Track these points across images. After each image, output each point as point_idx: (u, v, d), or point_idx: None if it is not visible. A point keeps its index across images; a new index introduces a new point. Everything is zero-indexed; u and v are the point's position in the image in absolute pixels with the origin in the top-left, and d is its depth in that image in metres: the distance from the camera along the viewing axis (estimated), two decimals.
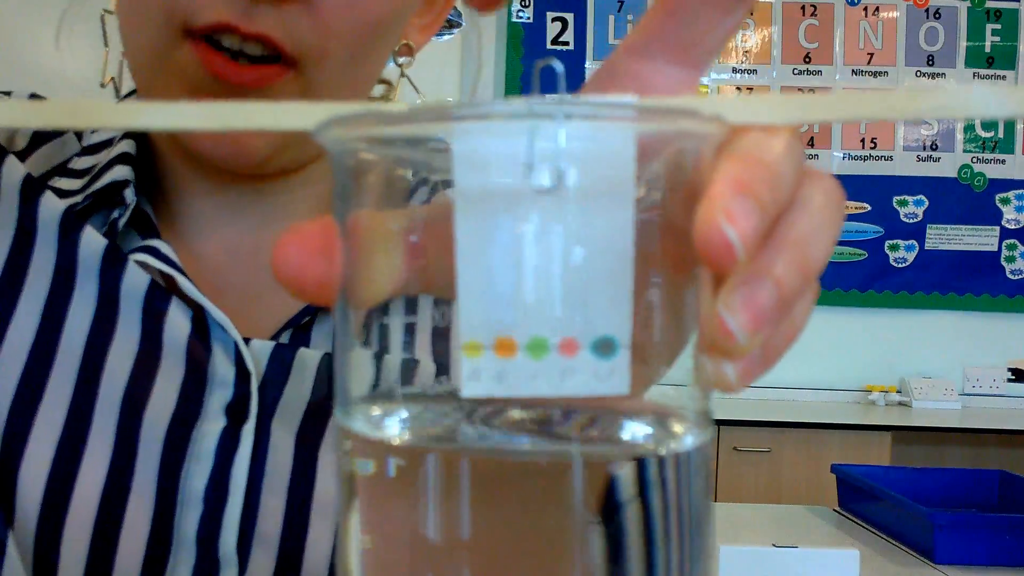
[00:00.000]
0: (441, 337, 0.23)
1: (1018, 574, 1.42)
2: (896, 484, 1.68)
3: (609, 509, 0.22)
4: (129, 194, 0.53)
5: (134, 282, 0.51)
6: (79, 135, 0.59)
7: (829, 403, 3.06)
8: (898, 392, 3.07)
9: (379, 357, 0.25)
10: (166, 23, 0.46)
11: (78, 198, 0.53)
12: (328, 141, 0.23)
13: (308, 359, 0.51)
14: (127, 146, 0.55)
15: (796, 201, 0.24)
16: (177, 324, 0.51)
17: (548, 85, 0.23)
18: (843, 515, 1.75)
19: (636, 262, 0.22)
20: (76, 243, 0.52)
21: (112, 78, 0.59)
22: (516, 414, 0.23)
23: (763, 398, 3.02)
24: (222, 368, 0.50)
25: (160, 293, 0.51)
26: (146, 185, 0.56)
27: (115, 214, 0.53)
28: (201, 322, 0.51)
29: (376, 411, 0.24)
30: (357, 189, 0.24)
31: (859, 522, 1.69)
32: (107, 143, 0.57)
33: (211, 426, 0.49)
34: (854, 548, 1.33)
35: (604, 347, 0.21)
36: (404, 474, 0.22)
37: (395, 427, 0.24)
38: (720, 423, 2.72)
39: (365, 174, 0.24)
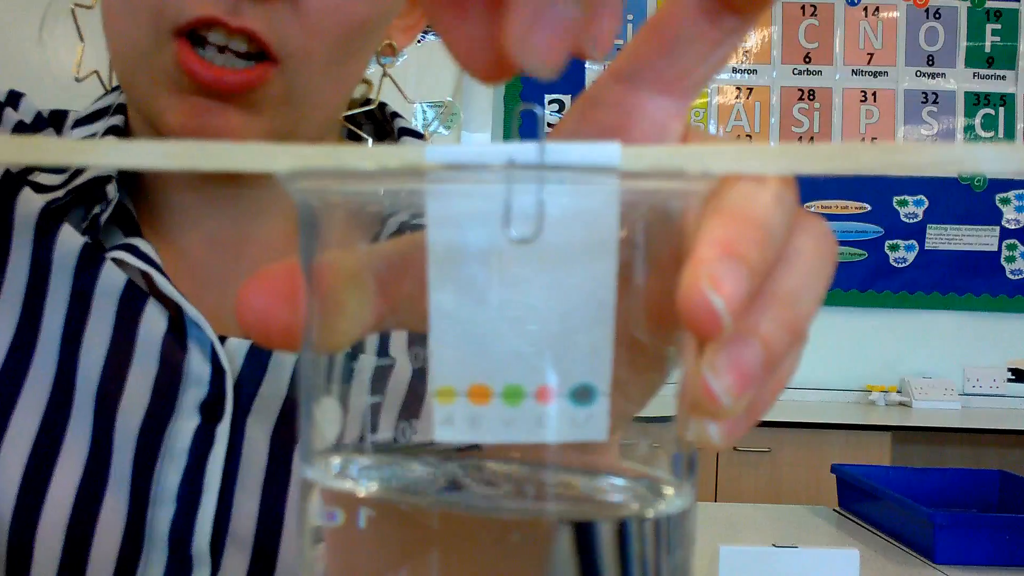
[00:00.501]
0: (417, 381, 0.23)
1: (1018, 574, 1.42)
2: (896, 484, 1.68)
3: (588, 570, 0.22)
4: (112, 190, 0.53)
5: (110, 281, 0.51)
6: (59, 129, 0.59)
7: (829, 403, 3.06)
8: (898, 392, 3.07)
9: (348, 405, 0.24)
10: (153, 22, 0.47)
11: (59, 193, 0.53)
12: (293, 192, 0.23)
13: (285, 357, 0.51)
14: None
15: (786, 254, 0.23)
16: (153, 322, 0.51)
17: (529, 130, 0.23)
18: (843, 515, 1.75)
19: (617, 311, 0.21)
20: (52, 243, 0.51)
21: (95, 71, 0.59)
22: (491, 466, 0.23)
23: None
24: (197, 366, 0.50)
25: (137, 292, 0.51)
26: (126, 179, 0.56)
27: (96, 209, 0.53)
28: (178, 320, 0.51)
29: (342, 462, 0.23)
30: (322, 230, 0.23)
31: (859, 522, 1.69)
32: (90, 137, 0.57)
33: (185, 424, 0.49)
34: (854, 548, 1.33)
35: (582, 395, 0.21)
36: (370, 527, 0.22)
37: (362, 479, 0.24)
38: None
39: (331, 214, 0.23)
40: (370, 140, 0.61)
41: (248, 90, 0.47)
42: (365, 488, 0.23)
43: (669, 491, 0.23)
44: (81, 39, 0.59)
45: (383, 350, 0.25)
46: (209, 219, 0.55)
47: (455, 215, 0.21)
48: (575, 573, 0.21)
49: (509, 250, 0.21)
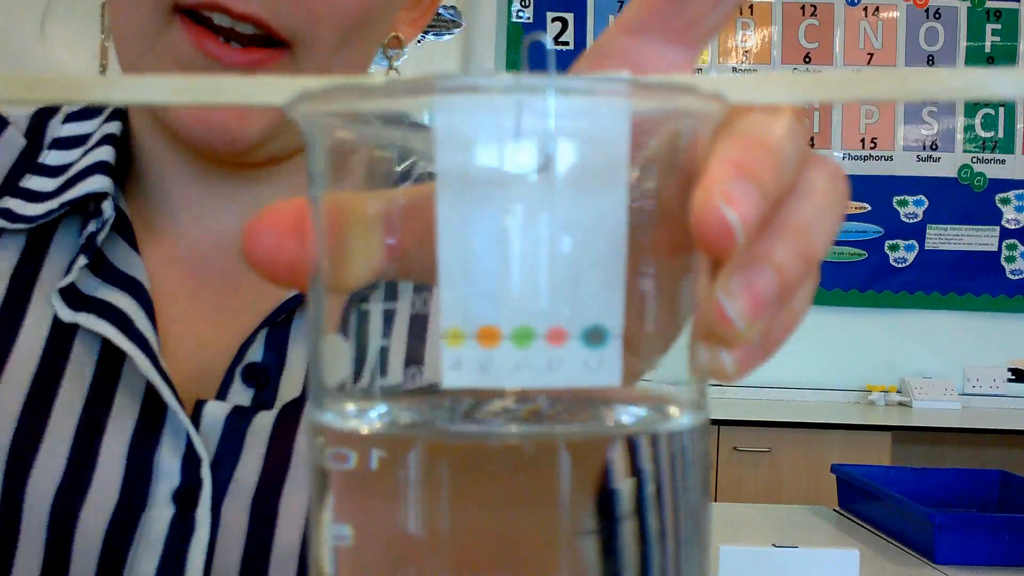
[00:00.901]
0: (422, 326, 0.24)
1: (1018, 574, 1.42)
2: (896, 484, 1.68)
3: (602, 495, 0.21)
4: (108, 207, 0.52)
5: (79, 363, 0.49)
6: (43, 122, 0.57)
7: (829, 403, 3.06)
8: (898, 392, 3.07)
9: (356, 346, 0.23)
10: (158, 3, 0.46)
11: (53, 204, 0.52)
12: (300, 117, 0.22)
13: (262, 426, 0.49)
14: (106, 153, 0.53)
15: (798, 186, 0.23)
16: (124, 410, 0.49)
17: (537, 62, 0.22)
18: (843, 515, 1.75)
19: (629, 247, 0.20)
20: (18, 328, 0.50)
21: (103, 64, 0.58)
22: (500, 405, 0.22)
23: (763, 398, 3.02)
24: (167, 460, 0.48)
25: (110, 370, 0.49)
26: (127, 171, 0.55)
27: (92, 227, 0.51)
28: (151, 394, 0.49)
29: (351, 402, 0.23)
30: (333, 170, 0.22)
31: (859, 522, 1.69)
32: (82, 139, 0.56)
33: (160, 512, 0.48)
34: (854, 548, 1.33)
35: (594, 336, 0.20)
36: (382, 467, 0.21)
37: (372, 418, 0.23)
38: (720, 423, 2.72)
39: (342, 155, 0.23)
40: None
41: (256, 68, 0.47)
42: (376, 424, 0.23)
43: (681, 414, 0.23)
44: (103, 31, 0.59)
45: (391, 295, 0.24)
46: (211, 214, 0.55)
47: (464, 138, 0.20)
48: (589, 495, 0.21)
49: (518, 179, 0.20)
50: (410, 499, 0.21)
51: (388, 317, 0.24)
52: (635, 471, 0.22)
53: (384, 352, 0.23)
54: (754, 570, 1.26)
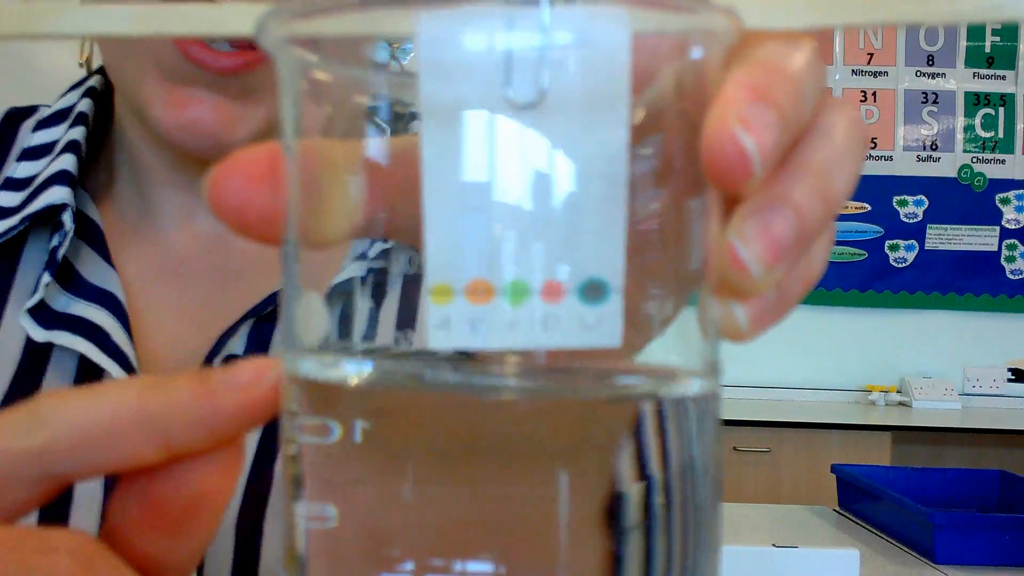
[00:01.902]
0: (410, 286, 0.21)
1: (1018, 574, 1.42)
2: (896, 484, 1.68)
3: (607, 462, 0.20)
4: (67, 219, 0.50)
5: (58, 378, 0.48)
6: (16, 123, 0.56)
7: (829, 403, 3.06)
8: (898, 392, 3.07)
9: (334, 305, 0.21)
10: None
11: (14, 220, 0.51)
12: (270, 45, 0.20)
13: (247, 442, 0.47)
14: (66, 162, 0.52)
15: (817, 126, 0.21)
16: None
17: None
18: (843, 515, 1.75)
19: (631, 190, 0.19)
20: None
21: (88, 57, 0.57)
22: (495, 367, 0.20)
23: (763, 398, 3.02)
24: None
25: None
26: (108, 177, 0.54)
27: (54, 241, 0.50)
28: None
29: (329, 360, 0.21)
30: (309, 113, 0.20)
31: (859, 522, 1.69)
32: (49, 148, 0.54)
33: None
34: (854, 548, 1.33)
35: (593, 291, 0.18)
36: (366, 428, 0.19)
37: (351, 376, 0.21)
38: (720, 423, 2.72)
39: (317, 97, 0.21)
40: None
41: (243, 72, 0.45)
42: (354, 378, 0.20)
43: (688, 378, 0.21)
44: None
45: (380, 254, 0.22)
46: (194, 214, 0.53)
47: (450, 59, 0.18)
48: (594, 461, 0.20)
49: (510, 113, 0.18)
50: (392, 467, 0.19)
51: (373, 277, 0.22)
52: (640, 439, 0.20)
53: (371, 315, 0.22)
54: (754, 570, 1.26)
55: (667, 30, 0.20)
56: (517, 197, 0.18)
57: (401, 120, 0.21)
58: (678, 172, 0.20)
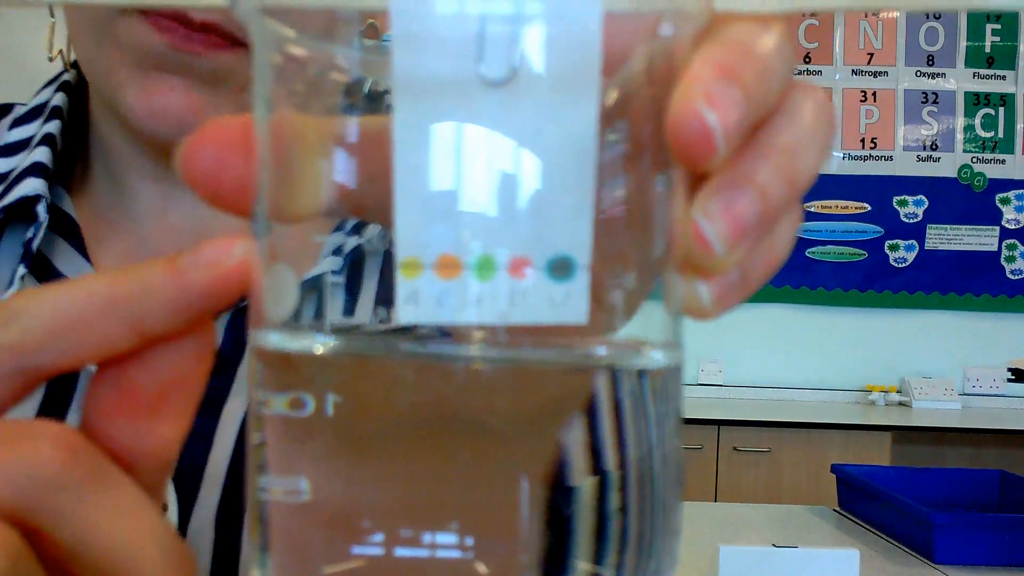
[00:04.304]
0: (389, 267, 0.21)
1: (1018, 574, 1.42)
2: (896, 484, 1.68)
3: (570, 432, 0.20)
4: (41, 211, 0.50)
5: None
6: None
7: (829, 403, 3.06)
8: (898, 392, 3.07)
9: (304, 280, 0.21)
10: None
11: None
12: (245, 14, 0.20)
13: (217, 470, 0.47)
14: (41, 155, 0.52)
15: (784, 108, 0.21)
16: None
17: None
18: (843, 515, 1.75)
19: (599, 169, 0.19)
20: None
21: (60, 51, 0.56)
22: (460, 340, 0.20)
23: (763, 398, 3.02)
24: None
25: (64, 381, 0.47)
26: (84, 169, 0.53)
27: (29, 233, 0.50)
28: None
29: (296, 332, 0.21)
30: (282, 87, 0.21)
31: (859, 522, 1.69)
32: (25, 143, 0.54)
33: None
34: (854, 548, 1.33)
35: (560, 268, 0.19)
36: (334, 400, 0.19)
37: (317, 345, 0.21)
38: (720, 423, 2.72)
39: (292, 73, 0.21)
40: None
41: (213, 52, 0.45)
42: (319, 348, 0.20)
43: (650, 351, 0.21)
44: (52, 15, 0.56)
45: (353, 228, 0.22)
46: (172, 210, 0.53)
47: (423, 32, 0.18)
48: (555, 431, 0.20)
49: (481, 89, 0.18)
50: (357, 437, 0.19)
51: (348, 268, 0.22)
52: (602, 408, 0.20)
53: (345, 303, 0.22)
54: (754, 570, 1.26)
55: (639, 9, 0.20)
56: (486, 173, 0.18)
57: (375, 97, 0.21)
58: (647, 151, 0.20)
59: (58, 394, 0.48)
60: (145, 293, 0.22)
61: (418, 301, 0.19)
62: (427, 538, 0.19)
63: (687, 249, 0.20)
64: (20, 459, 0.21)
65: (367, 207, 0.21)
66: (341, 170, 0.21)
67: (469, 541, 0.19)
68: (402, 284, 0.19)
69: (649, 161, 0.20)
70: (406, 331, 0.19)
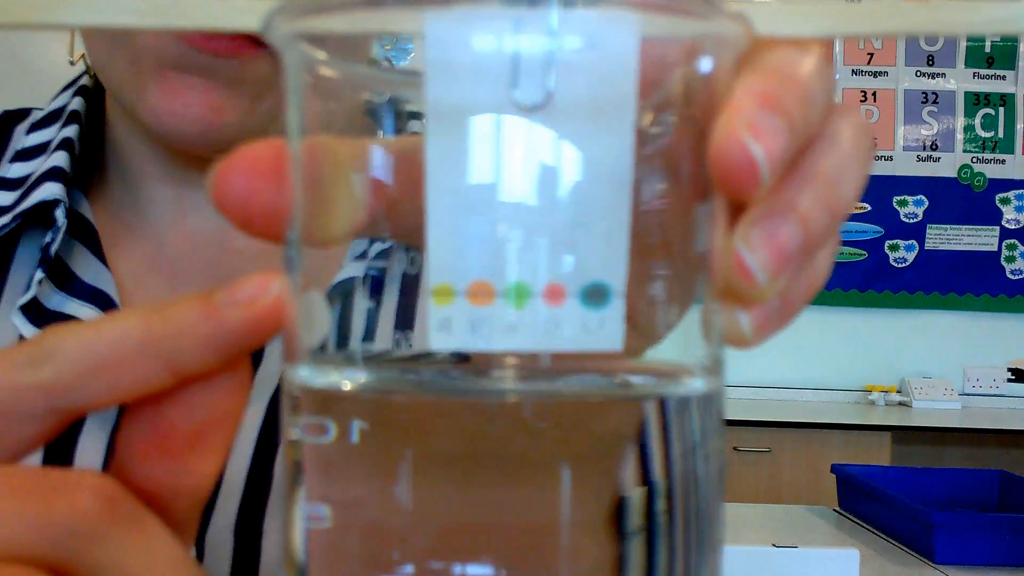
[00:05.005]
0: (409, 286, 0.21)
1: (1018, 574, 1.42)
2: (896, 484, 1.68)
3: (611, 465, 0.20)
4: (60, 215, 0.50)
5: None
6: (9, 127, 0.56)
7: (829, 403, 3.06)
8: (898, 392, 3.07)
9: (334, 304, 0.21)
10: None
11: (7, 218, 0.50)
12: (276, 40, 0.20)
13: (236, 478, 0.47)
14: (59, 159, 0.52)
15: (824, 134, 0.21)
16: (97, 424, 0.47)
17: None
18: (843, 515, 1.75)
19: (636, 195, 0.19)
20: None
21: (83, 54, 0.56)
22: (496, 372, 0.20)
23: (763, 398, 3.02)
24: None
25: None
26: (100, 174, 0.53)
27: (47, 238, 0.50)
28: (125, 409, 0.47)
29: (331, 362, 0.21)
30: (314, 111, 0.20)
31: (859, 522, 1.69)
32: (44, 148, 0.54)
33: None
34: (854, 548, 1.33)
35: (595, 295, 0.18)
36: (364, 431, 0.19)
37: (352, 380, 0.21)
38: None
39: (324, 95, 0.21)
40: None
41: (236, 56, 0.45)
42: (354, 384, 0.20)
43: (692, 378, 0.21)
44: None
45: (379, 254, 0.22)
46: (190, 214, 0.53)
47: (456, 60, 0.18)
48: (598, 463, 0.19)
49: (515, 115, 0.18)
50: (394, 471, 0.19)
51: (377, 278, 0.22)
52: (644, 440, 0.20)
53: (371, 315, 0.22)
54: (754, 570, 1.26)
55: (677, 36, 0.20)
56: (521, 199, 0.18)
57: (406, 119, 0.21)
58: (685, 178, 0.20)
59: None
60: (180, 332, 0.21)
61: (451, 328, 0.18)
62: (458, 570, 0.19)
63: (728, 278, 0.20)
64: (59, 511, 0.20)
65: (399, 229, 0.21)
66: (372, 193, 0.21)
67: (503, 574, 0.19)
68: (434, 311, 0.18)
69: (688, 188, 0.20)
70: (429, 356, 0.19)
